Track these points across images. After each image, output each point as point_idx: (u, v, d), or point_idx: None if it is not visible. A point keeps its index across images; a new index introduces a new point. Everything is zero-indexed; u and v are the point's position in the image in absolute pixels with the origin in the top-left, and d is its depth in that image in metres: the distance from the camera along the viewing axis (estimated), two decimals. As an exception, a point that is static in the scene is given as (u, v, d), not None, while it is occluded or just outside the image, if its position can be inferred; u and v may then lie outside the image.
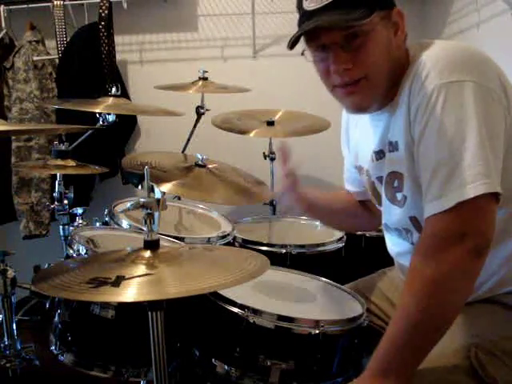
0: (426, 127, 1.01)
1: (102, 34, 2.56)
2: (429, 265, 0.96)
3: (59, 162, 1.87)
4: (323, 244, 1.75)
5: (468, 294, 0.99)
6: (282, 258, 1.67)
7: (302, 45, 1.13)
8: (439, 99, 0.99)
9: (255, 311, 1.15)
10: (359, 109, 1.16)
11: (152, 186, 1.05)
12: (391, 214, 1.21)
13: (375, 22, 1.05)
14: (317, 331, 1.14)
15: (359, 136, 1.32)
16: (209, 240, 1.67)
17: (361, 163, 1.33)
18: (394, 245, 1.29)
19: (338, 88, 1.12)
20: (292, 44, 1.10)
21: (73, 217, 1.90)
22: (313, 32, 1.08)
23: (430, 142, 1.01)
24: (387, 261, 1.42)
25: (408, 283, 1.00)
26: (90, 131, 2.12)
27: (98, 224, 1.73)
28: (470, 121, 0.97)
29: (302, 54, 1.14)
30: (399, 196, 1.16)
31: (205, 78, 2.34)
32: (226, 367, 1.17)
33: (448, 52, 1.04)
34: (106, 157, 2.52)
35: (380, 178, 1.25)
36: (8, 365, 1.51)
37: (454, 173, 0.96)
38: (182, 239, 1.59)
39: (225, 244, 1.68)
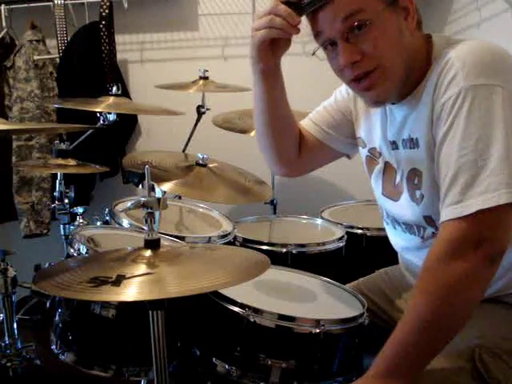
0: (450, 129, 0.99)
1: (102, 34, 2.56)
2: (443, 269, 0.96)
3: (60, 161, 1.88)
4: (324, 243, 1.75)
5: (479, 299, 0.99)
6: (282, 258, 1.67)
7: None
8: (466, 102, 0.97)
9: (256, 310, 1.15)
10: (378, 102, 1.14)
11: (153, 186, 1.05)
12: (408, 209, 1.19)
13: (380, 10, 1.01)
14: (317, 330, 1.14)
15: (372, 115, 1.28)
16: (209, 239, 1.66)
17: (365, 139, 1.31)
18: (400, 239, 1.28)
19: (354, 83, 1.09)
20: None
21: (73, 216, 1.90)
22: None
23: (452, 144, 0.99)
24: (388, 260, 1.43)
25: (420, 285, 1.00)
26: (90, 130, 2.12)
27: (98, 223, 1.73)
28: (496, 127, 0.95)
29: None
30: (418, 194, 1.15)
31: (205, 78, 2.34)
32: (227, 366, 1.17)
33: (478, 53, 1.01)
34: (107, 156, 2.52)
35: (389, 166, 1.24)
36: (9, 364, 1.51)
37: (477, 179, 0.95)
38: (182, 238, 1.59)
39: (225, 243, 1.68)
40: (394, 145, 1.20)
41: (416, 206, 1.16)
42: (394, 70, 1.06)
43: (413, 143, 1.13)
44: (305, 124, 1.40)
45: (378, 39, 1.03)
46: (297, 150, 1.39)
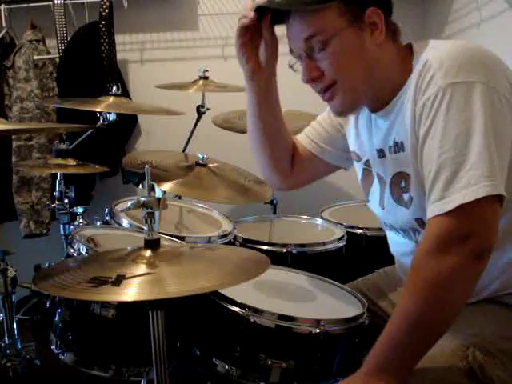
0: (430, 127, 1.01)
1: (102, 33, 2.56)
2: (430, 266, 0.96)
3: (60, 161, 1.88)
4: (324, 243, 1.75)
5: (468, 296, 0.99)
6: (282, 257, 1.67)
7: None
8: (444, 100, 0.99)
9: (256, 310, 1.15)
10: (339, 113, 1.18)
11: (152, 185, 1.05)
12: (397, 215, 1.20)
13: (340, 29, 1.06)
14: (317, 330, 1.14)
15: (360, 127, 1.30)
16: (209, 239, 1.66)
17: (358, 152, 1.32)
18: (398, 245, 1.29)
19: (320, 94, 1.15)
20: None
21: (73, 216, 1.90)
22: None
23: (433, 142, 1.00)
24: (388, 260, 1.43)
25: (408, 283, 1.00)
26: (90, 130, 2.12)
27: (98, 223, 1.73)
28: (475, 122, 0.96)
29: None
30: (406, 197, 1.15)
31: (205, 77, 2.34)
32: (227, 366, 1.17)
33: (454, 52, 1.03)
34: (107, 156, 2.52)
35: (380, 177, 1.25)
36: (8, 364, 1.51)
37: (457, 174, 0.96)
38: (182, 238, 1.59)
39: (225, 243, 1.67)
40: (381, 153, 1.21)
41: (406, 210, 1.16)
42: (353, 85, 1.11)
43: (398, 147, 1.14)
44: (300, 138, 1.44)
45: (336, 57, 1.08)
46: (290, 163, 1.42)
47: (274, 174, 1.44)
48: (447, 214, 0.96)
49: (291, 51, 1.15)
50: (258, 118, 1.34)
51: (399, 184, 1.17)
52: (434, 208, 0.98)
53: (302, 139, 1.43)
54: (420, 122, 1.04)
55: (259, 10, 1.14)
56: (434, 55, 1.04)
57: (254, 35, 1.20)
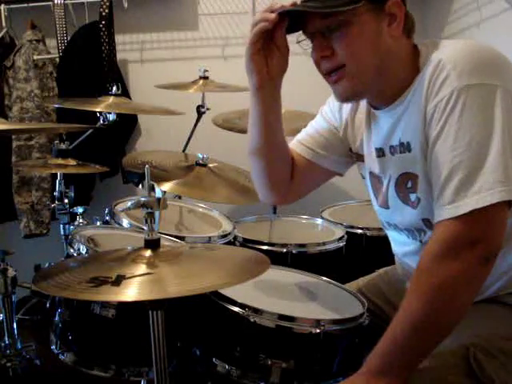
0: (442, 129, 0.99)
1: (102, 33, 2.56)
2: (437, 269, 0.96)
3: (60, 161, 1.88)
4: (324, 243, 1.75)
5: (473, 299, 0.99)
6: (282, 257, 1.67)
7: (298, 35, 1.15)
8: (459, 102, 0.97)
9: (256, 310, 1.15)
10: (343, 98, 1.15)
11: (152, 185, 1.05)
12: (404, 215, 1.19)
13: (360, 12, 1.04)
14: (317, 330, 1.13)
15: (357, 127, 1.29)
16: (209, 239, 1.66)
17: (360, 152, 1.31)
18: (401, 245, 1.28)
19: (326, 76, 1.12)
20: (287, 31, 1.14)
21: (73, 216, 1.90)
22: (301, 21, 1.10)
23: (446, 144, 0.99)
24: (388, 260, 1.43)
25: (414, 285, 1.00)
26: (90, 130, 2.12)
27: (98, 223, 1.73)
28: (490, 126, 0.96)
29: (298, 42, 1.16)
30: (413, 197, 1.14)
31: (205, 77, 2.34)
32: (227, 366, 1.17)
33: (468, 53, 1.02)
34: (107, 156, 2.52)
35: (375, 176, 1.24)
36: (8, 364, 1.51)
37: (470, 178, 0.95)
38: (182, 238, 1.59)
39: (225, 243, 1.67)
40: (380, 152, 1.20)
41: (413, 210, 1.15)
42: (361, 72, 1.08)
43: (404, 147, 1.12)
44: (295, 147, 1.38)
45: (351, 39, 1.06)
46: (289, 177, 1.36)
47: (274, 190, 1.39)
48: (458, 218, 0.95)
49: (304, 30, 1.12)
50: (262, 133, 1.28)
51: (405, 184, 1.15)
52: (444, 211, 0.98)
53: (297, 147, 1.37)
54: (431, 123, 1.02)
55: (281, 14, 1.09)
56: (448, 55, 1.02)
57: (266, 44, 1.15)
